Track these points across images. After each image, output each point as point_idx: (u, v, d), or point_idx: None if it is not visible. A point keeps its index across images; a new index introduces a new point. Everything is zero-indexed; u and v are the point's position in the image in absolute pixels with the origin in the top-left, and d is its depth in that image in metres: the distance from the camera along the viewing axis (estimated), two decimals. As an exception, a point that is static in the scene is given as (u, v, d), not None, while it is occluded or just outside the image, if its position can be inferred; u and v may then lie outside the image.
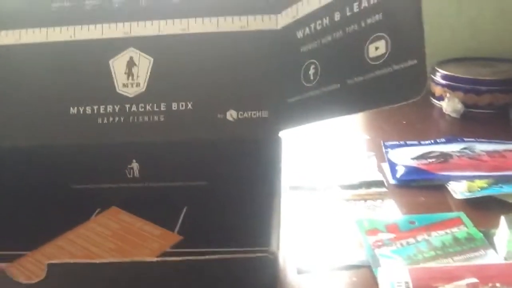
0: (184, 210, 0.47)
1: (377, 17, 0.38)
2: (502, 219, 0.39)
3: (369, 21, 0.38)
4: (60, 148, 0.47)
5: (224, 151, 0.47)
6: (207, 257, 0.28)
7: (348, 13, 0.40)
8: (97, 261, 0.29)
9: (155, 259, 0.28)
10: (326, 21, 0.42)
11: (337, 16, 0.41)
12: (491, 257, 0.38)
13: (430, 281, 0.33)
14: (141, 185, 0.48)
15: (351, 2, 0.40)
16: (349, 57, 0.40)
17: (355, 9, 0.40)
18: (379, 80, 0.37)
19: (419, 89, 0.34)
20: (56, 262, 0.29)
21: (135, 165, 0.48)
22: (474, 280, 0.33)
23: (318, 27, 0.43)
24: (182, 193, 0.48)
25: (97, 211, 0.48)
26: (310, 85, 0.43)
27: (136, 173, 0.48)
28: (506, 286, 0.32)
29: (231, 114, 0.46)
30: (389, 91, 0.36)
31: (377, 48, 0.37)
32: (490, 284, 0.32)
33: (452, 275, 0.33)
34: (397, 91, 0.36)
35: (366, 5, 0.39)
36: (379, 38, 0.38)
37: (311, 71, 0.43)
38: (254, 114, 0.46)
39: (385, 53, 0.37)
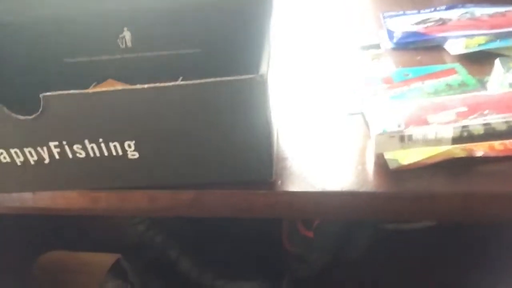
0: (180, 79, 0.47)
1: None
2: (497, 61, 0.39)
3: None
4: (49, 20, 0.47)
5: (216, 16, 0.45)
6: (201, 80, 0.28)
7: None
8: (91, 91, 0.29)
9: (146, 85, 0.28)
10: None
11: None
12: (482, 96, 0.38)
13: (421, 112, 0.34)
14: (134, 55, 0.48)
15: None
16: None
17: None
18: None
19: None
20: (52, 94, 0.29)
21: (126, 33, 0.47)
22: (463, 108, 0.33)
23: None
24: (177, 62, 0.48)
25: (93, 84, 0.48)
26: None
27: (129, 43, 0.47)
28: (494, 113, 0.32)
29: (222, -24, 0.44)
30: None
31: None
32: (478, 112, 0.33)
33: (443, 106, 0.34)
34: None
35: None
36: None
37: None
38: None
39: None
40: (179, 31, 0.47)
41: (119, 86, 0.47)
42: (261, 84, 0.28)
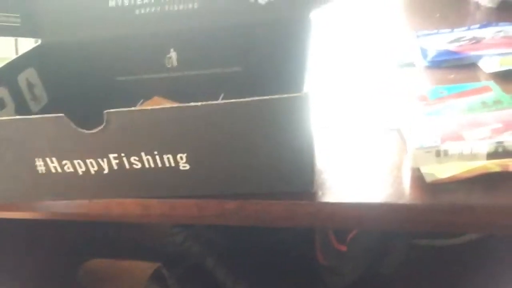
0: (222, 96, 0.50)
1: None
2: (532, 79, 0.40)
3: None
4: (103, 42, 0.51)
5: (256, 35, 0.48)
6: (247, 99, 0.30)
7: None
8: (149, 108, 0.32)
9: (200, 103, 0.31)
10: None
11: None
12: (518, 114, 0.39)
13: (456, 128, 0.35)
14: (180, 74, 0.51)
15: None
16: None
17: None
18: None
19: None
20: (114, 111, 0.32)
21: (173, 54, 0.50)
22: (498, 125, 0.34)
23: None
24: (218, 80, 0.51)
25: (141, 102, 0.51)
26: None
27: (175, 62, 0.51)
28: (529, 129, 0.33)
29: (262, -3, 0.47)
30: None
31: None
32: (514, 129, 0.34)
33: (478, 122, 0.35)
34: None
35: None
36: None
37: None
38: (284, -5, 0.47)
39: None
40: (220, 50, 0.50)
41: (165, 103, 0.51)
42: (305, 101, 0.30)
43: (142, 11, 0.49)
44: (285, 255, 0.68)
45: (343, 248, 0.63)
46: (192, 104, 0.31)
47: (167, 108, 0.32)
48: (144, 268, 0.61)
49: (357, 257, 0.63)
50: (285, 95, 0.30)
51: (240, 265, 0.66)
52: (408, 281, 0.65)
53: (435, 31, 0.60)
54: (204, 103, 0.31)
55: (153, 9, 0.49)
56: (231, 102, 0.31)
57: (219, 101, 0.31)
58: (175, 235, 0.67)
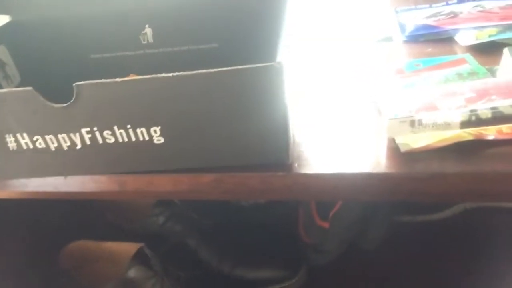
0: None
1: None
2: (505, 50, 0.40)
3: None
4: (76, 18, 0.49)
5: (232, 10, 0.48)
6: (222, 69, 0.30)
7: None
8: (120, 80, 0.32)
9: (171, 74, 0.31)
10: None
11: None
12: (492, 84, 0.39)
13: (431, 99, 0.35)
14: (156, 51, 0.50)
15: None
16: None
17: None
18: None
19: None
20: (84, 83, 0.31)
21: (148, 30, 0.50)
22: (472, 94, 0.35)
23: None
24: (195, 56, 0.50)
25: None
26: None
27: (150, 39, 0.50)
28: (501, 98, 0.34)
29: (238, -28, 0.46)
30: None
31: None
32: (486, 97, 0.34)
33: (452, 93, 0.35)
34: None
35: None
36: None
37: None
38: (260, -31, 0.46)
39: None
40: (197, 27, 0.49)
41: (142, 81, 0.50)
42: (278, 71, 0.30)
43: (116, -14, 0.48)
44: (269, 234, 0.69)
45: (325, 225, 0.63)
46: (164, 75, 0.31)
47: (138, 79, 0.32)
48: (127, 248, 0.60)
49: (339, 233, 0.64)
50: (258, 65, 0.30)
51: (224, 244, 0.66)
52: (390, 257, 0.66)
53: (414, 6, 0.60)
54: (175, 74, 0.31)
55: (127, -15, 0.48)
56: (204, 72, 0.30)
57: (192, 72, 0.31)
58: (157, 215, 0.66)
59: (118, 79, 0.32)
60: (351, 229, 0.64)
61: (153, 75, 0.31)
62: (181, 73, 0.31)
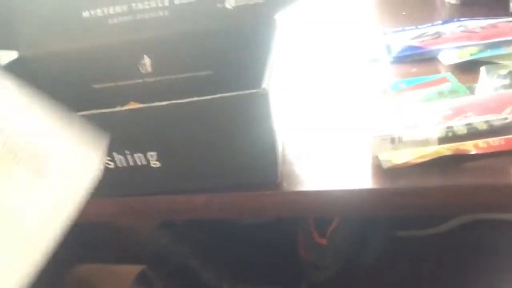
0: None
1: None
2: (482, 69, 0.42)
3: None
4: (78, 51, 0.52)
5: (225, 39, 0.50)
6: (210, 96, 0.32)
7: None
8: (117, 110, 0.34)
9: (165, 102, 0.33)
10: None
11: None
12: (470, 101, 0.41)
13: (411, 116, 0.37)
14: (154, 79, 0.53)
15: None
16: None
17: None
18: None
19: None
20: (86, 113, 0.34)
21: (147, 60, 0.52)
22: (449, 112, 0.37)
23: None
24: (192, 83, 0.53)
25: (117, 108, 0.53)
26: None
27: (149, 68, 0.53)
28: (475, 114, 0.36)
29: (229, 2, 0.49)
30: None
31: None
32: (462, 114, 0.36)
33: (431, 111, 0.37)
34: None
35: None
36: None
37: None
38: (250, 0, 0.49)
39: None
40: (192, 56, 0.52)
41: (141, 107, 0.53)
42: (264, 97, 0.32)
43: (115, 20, 0.51)
44: (269, 253, 0.70)
45: (324, 242, 0.65)
46: (158, 103, 0.33)
47: (135, 109, 0.34)
48: (129, 271, 0.62)
49: (337, 249, 0.65)
50: (244, 92, 0.32)
51: (224, 262, 0.67)
52: (389, 272, 0.67)
53: (401, 28, 0.62)
54: (169, 102, 0.33)
55: (125, 18, 0.51)
56: (193, 100, 0.33)
57: (183, 100, 0.33)
58: (160, 237, 0.68)
59: (116, 109, 0.34)
60: (349, 245, 0.65)
61: (148, 105, 0.33)
62: (173, 101, 0.33)
